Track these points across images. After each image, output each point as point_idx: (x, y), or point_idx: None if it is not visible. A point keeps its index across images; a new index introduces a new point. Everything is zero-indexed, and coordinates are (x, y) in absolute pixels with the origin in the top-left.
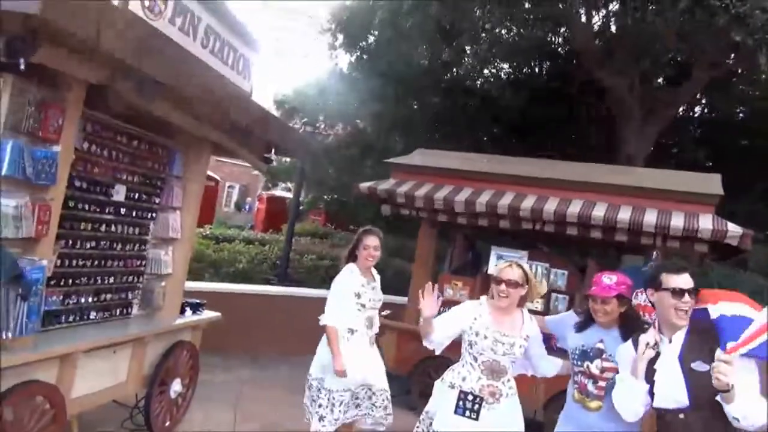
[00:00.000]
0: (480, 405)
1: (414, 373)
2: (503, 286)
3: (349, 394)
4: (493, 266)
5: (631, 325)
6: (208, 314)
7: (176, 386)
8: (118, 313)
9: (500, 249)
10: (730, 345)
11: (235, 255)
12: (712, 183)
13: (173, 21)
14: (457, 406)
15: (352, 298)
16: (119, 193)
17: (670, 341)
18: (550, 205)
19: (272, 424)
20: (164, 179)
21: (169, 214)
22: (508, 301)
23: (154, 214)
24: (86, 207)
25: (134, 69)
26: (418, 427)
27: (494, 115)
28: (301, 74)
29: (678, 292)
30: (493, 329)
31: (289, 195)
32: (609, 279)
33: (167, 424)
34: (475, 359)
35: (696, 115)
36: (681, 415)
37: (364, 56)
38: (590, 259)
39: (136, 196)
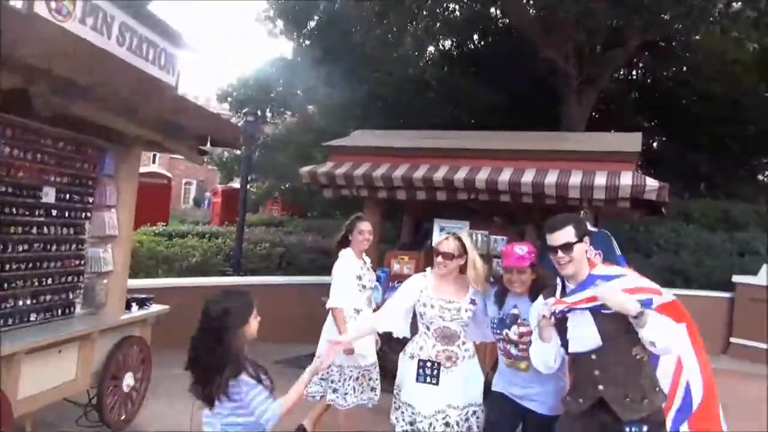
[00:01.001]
0: (438, 370)
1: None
2: (440, 258)
3: (357, 371)
4: (436, 238)
5: (540, 291)
6: (155, 308)
7: (128, 380)
8: (60, 313)
9: (443, 221)
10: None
11: (188, 250)
12: (632, 141)
13: (84, 21)
14: (417, 374)
15: (354, 281)
16: (48, 195)
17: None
18: (482, 175)
19: None
20: (95, 179)
21: (104, 212)
22: (446, 271)
23: (88, 214)
24: (14, 211)
25: (46, 72)
26: (394, 402)
27: (440, 92)
28: (243, 65)
29: (552, 249)
30: (438, 297)
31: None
32: (521, 249)
33: (123, 417)
34: (428, 328)
35: (636, 79)
36: (593, 356)
37: (306, 42)
38: (529, 224)
39: (67, 196)
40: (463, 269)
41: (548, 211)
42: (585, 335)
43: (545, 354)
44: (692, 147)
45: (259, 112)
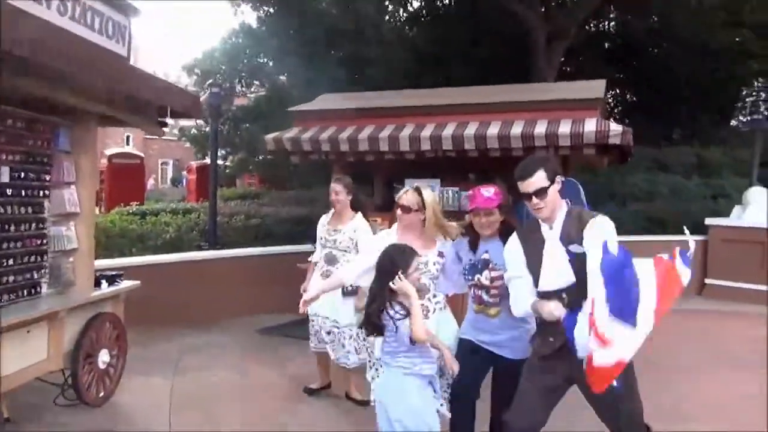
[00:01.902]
0: None
1: None
2: (399, 211)
3: (318, 320)
4: None
5: (510, 234)
6: (126, 284)
7: (104, 357)
8: (25, 293)
9: (413, 181)
10: None
11: (162, 227)
12: (596, 89)
13: None
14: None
15: (318, 237)
16: (3, 175)
17: (551, 228)
18: (448, 131)
19: (210, 386)
20: (51, 156)
21: (63, 189)
22: (406, 223)
23: (46, 192)
24: None
25: None
26: (369, 360)
27: (411, 53)
28: (207, 38)
29: (526, 196)
30: None
31: (220, 162)
32: (487, 192)
33: (101, 394)
34: None
35: (605, 30)
36: (564, 294)
37: (271, 10)
38: (498, 177)
39: (22, 175)
40: (425, 223)
41: (516, 162)
42: (558, 273)
43: (527, 297)
44: (665, 96)
45: (227, 84)
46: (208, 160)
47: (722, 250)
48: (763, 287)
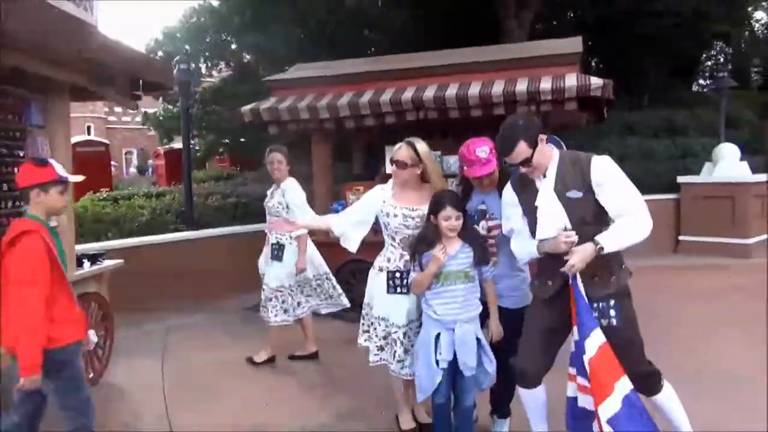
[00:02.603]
0: (407, 279)
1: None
2: (394, 167)
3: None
4: (390, 164)
5: (506, 181)
6: (109, 263)
7: (92, 338)
8: None
9: (394, 147)
10: None
11: (137, 210)
12: (574, 44)
13: None
14: (388, 286)
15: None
16: None
17: (545, 176)
18: (429, 93)
19: (202, 365)
20: (23, 130)
21: None
22: (401, 179)
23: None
24: None
25: None
26: (362, 323)
27: (379, 25)
28: (170, 15)
29: (515, 166)
30: (401, 206)
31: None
32: (483, 152)
33: (91, 375)
34: (393, 239)
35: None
36: None
37: None
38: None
39: None
40: (424, 177)
41: (498, 122)
42: (554, 220)
43: (529, 244)
44: (634, 62)
45: (192, 65)
46: (175, 145)
47: (694, 206)
48: (735, 240)
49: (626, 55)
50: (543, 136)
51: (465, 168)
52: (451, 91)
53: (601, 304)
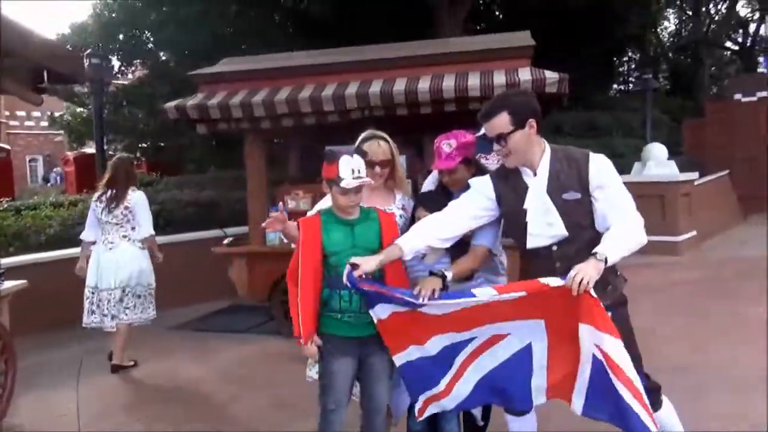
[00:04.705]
0: None
1: (273, 296)
2: (377, 168)
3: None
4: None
5: None
6: (9, 284)
7: None
8: None
9: (335, 148)
10: None
11: (44, 221)
12: (524, 38)
13: None
14: None
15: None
16: None
17: (535, 175)
18: (375, 87)
19: (120, 391)
20: None
21: None
22: (382, 180)
23: None
24: None
25: None
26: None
27: (304, 20)
28: (79, 10)
29: (492, 139)
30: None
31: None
32: (448, 146)
33: None
34: None
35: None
36: (555, 247)
37: None
38: (425, 136)
39: None
40: (390, 175)
41: (448, 119)
42: (548, 227)
43: (446, 230)
44: (557, 62)
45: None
46: (86, 150)
47: None
48: (665, 238)
49: (547, 57)
50: (534, 123)
51: (434, 160)
52: (400, 85)
53: None
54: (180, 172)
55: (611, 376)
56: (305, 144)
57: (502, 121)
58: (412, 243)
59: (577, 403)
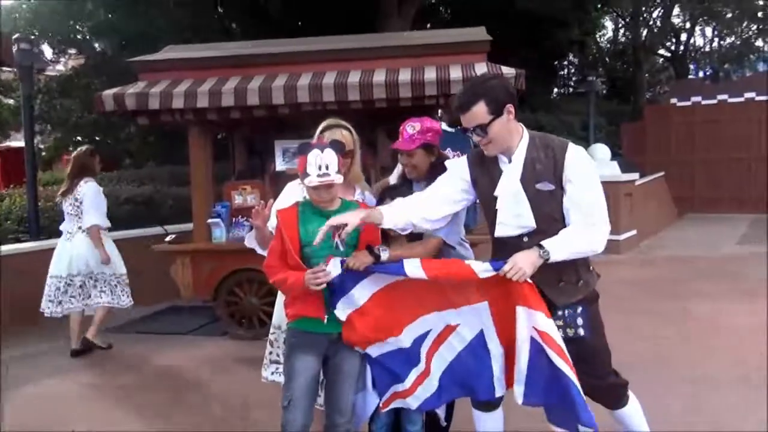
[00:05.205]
0: None
1: (218, 296)
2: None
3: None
4: (281, 161)
5: (439, 175)
6: None
7: None
8: None
9: (284, 142)
10: None
11: None
12: (479, 33)
13: None
14: None
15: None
16: None
17: (510, 161)
18: (329, 79)
19: (51, 407)
20: None
21: None
22: (344, 170)
23: None
24: None
25: None
26: (269, 352)
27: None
28: None
29: (470, 130)
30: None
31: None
32: (412, 128)
33: None
34: None
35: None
36: (525, 238)
37: None
38: (379, 130)
39: None
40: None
41: (402, 113)
42: (518, 218)
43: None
44: (501, 63)
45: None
46: (11, 143)
47: None
48: (608, 237)
49: (490, 57)
50: (512, 108)
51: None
52: (354, 78)
53: (567, 312)
54: (117, 167)
55: (553, 355)
56: (251, 137)
57: (479, 111)
58: (394, 216)
59: (518, 390)
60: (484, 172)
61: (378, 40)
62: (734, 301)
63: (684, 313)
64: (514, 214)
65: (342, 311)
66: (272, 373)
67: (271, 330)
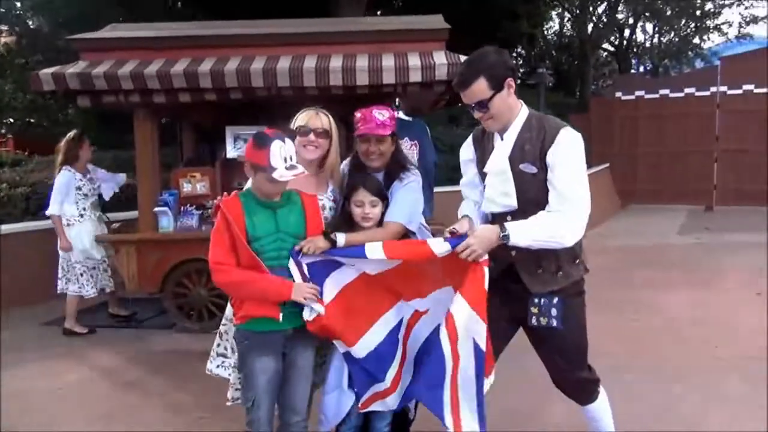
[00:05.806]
0: None
1: (165, 287)
2: (312, 136)
3: (92, 263)
4: (232, 148)
5: (396, 167)
6: None
7: None
8: None
9: (236, 128)
10: None
11: None
12: (437, 21)
13: None
14: None
15: (74, 192)
16: None
17: (502, 139)
18: (284, 63)
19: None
20: None
21: None
22: (318, 154)
23: None
24: None
25: None
26: (217, 344)
27: None
28: None
29: (471, 107)
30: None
31: None
32: (381, 114)
33: None
34: None
35: None
36: (509, 217)
37: None
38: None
39: None
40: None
41: (360, 101)
42: (504, 196)
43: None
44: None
45: None
46: None
47: None
48: None
49: (471, 33)
50: (512, 82)
51: (359, 126)
52: (310, 63)
53: (542, 300)
54: (53, 151)
55: (445, 345)
56: (200, 124)
57: (480, 87)
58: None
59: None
60: (481, 148)
61: (334, 25)
62: (693, 288)
63: (637, 302)
64: (500, 192)
65: (308, 312)
66: (217, 366)
67: (223, 321)
